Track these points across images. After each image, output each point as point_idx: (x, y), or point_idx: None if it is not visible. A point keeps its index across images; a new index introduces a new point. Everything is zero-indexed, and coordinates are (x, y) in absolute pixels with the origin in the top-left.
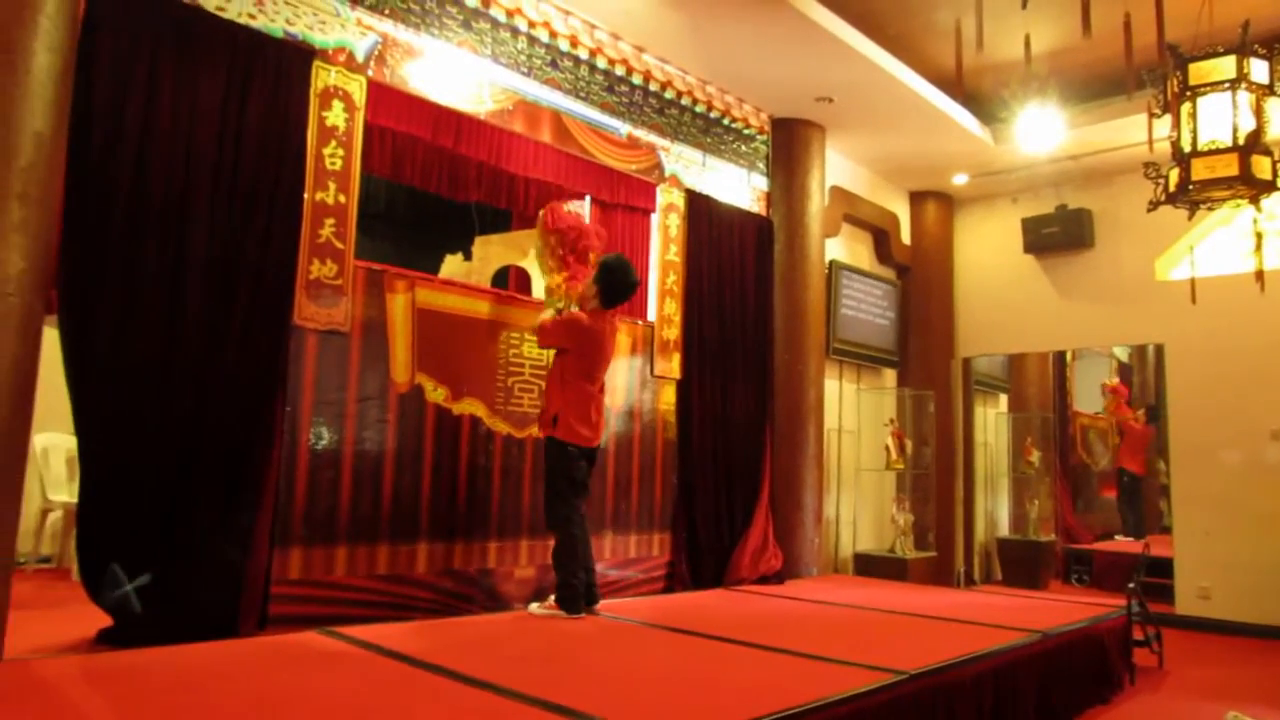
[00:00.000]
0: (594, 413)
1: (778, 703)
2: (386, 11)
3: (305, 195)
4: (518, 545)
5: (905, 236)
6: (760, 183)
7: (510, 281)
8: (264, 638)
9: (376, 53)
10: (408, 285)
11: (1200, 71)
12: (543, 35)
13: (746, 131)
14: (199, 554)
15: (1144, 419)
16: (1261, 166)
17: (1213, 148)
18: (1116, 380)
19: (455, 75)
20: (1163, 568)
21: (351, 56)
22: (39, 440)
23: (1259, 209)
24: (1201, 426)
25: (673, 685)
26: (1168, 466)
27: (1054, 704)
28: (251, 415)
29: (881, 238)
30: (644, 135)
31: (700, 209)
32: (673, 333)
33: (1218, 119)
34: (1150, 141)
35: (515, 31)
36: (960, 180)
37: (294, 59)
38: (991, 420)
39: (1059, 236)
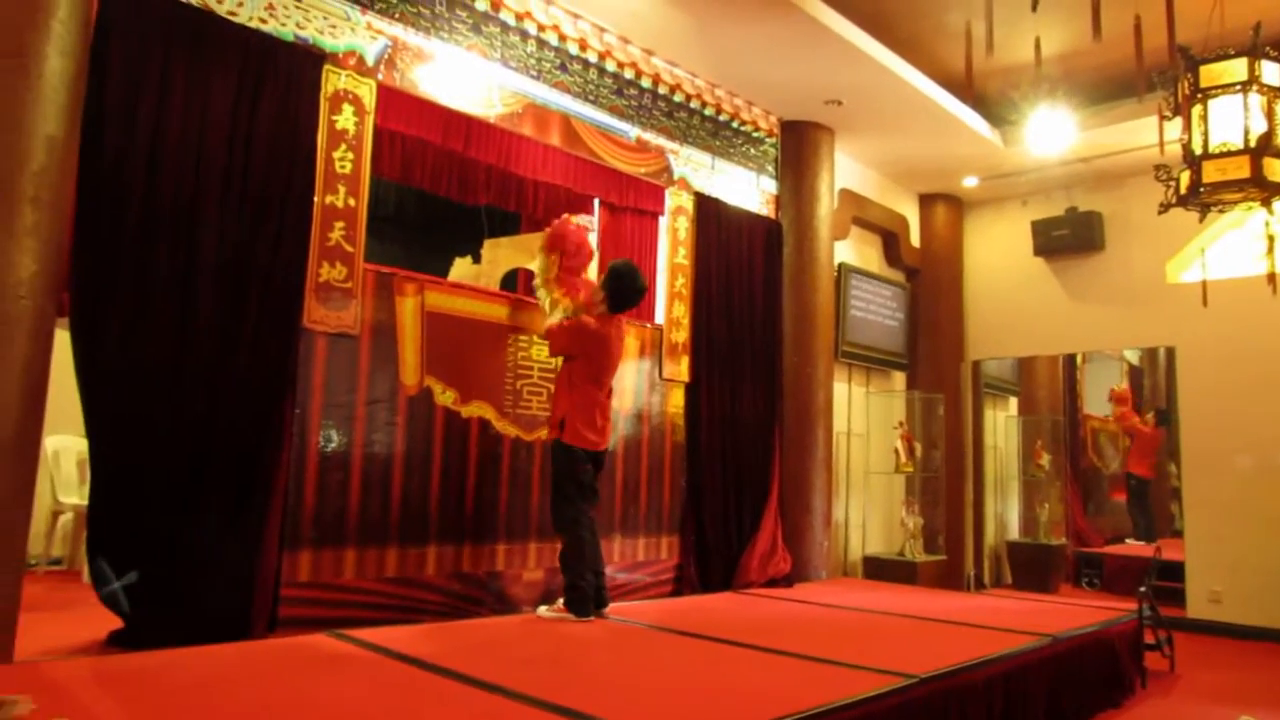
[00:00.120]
0: (600, 417)
1: (787, 707)
2: (397, 15)
3: (315, 199)
4: (526, 548)
5: (914, 239)
6: (769, 185)
7: (519, 284)
8: (273, 640)
9: (386, 57)
10: (417, 288)
11: (1211, 74)
12: (552, 39)
13: (755, 134)
14: (209, 556)
15: (1153, 422)
16: (1273, 169)
17: (1224, 150)
18: (1124, 386)
19: (465, 79)
20: (1174, 571)
21: (362, 60)
22: (50, 442)
23: (1271, 211)
24: (1213, 430)
25: (681, 689)
26: (1179, 470)
27: (1065, 708)
28: (261, 418)
29: (891, 240)
30: (653, 138)
31: (709, 212)
32: (681, 336)
33: (1229, 121)
34: (1161, 144)
35: (524, 35)
36: (970, 183)
37: (305, 63)
38: (1001, 423)
39: (1069, 239)
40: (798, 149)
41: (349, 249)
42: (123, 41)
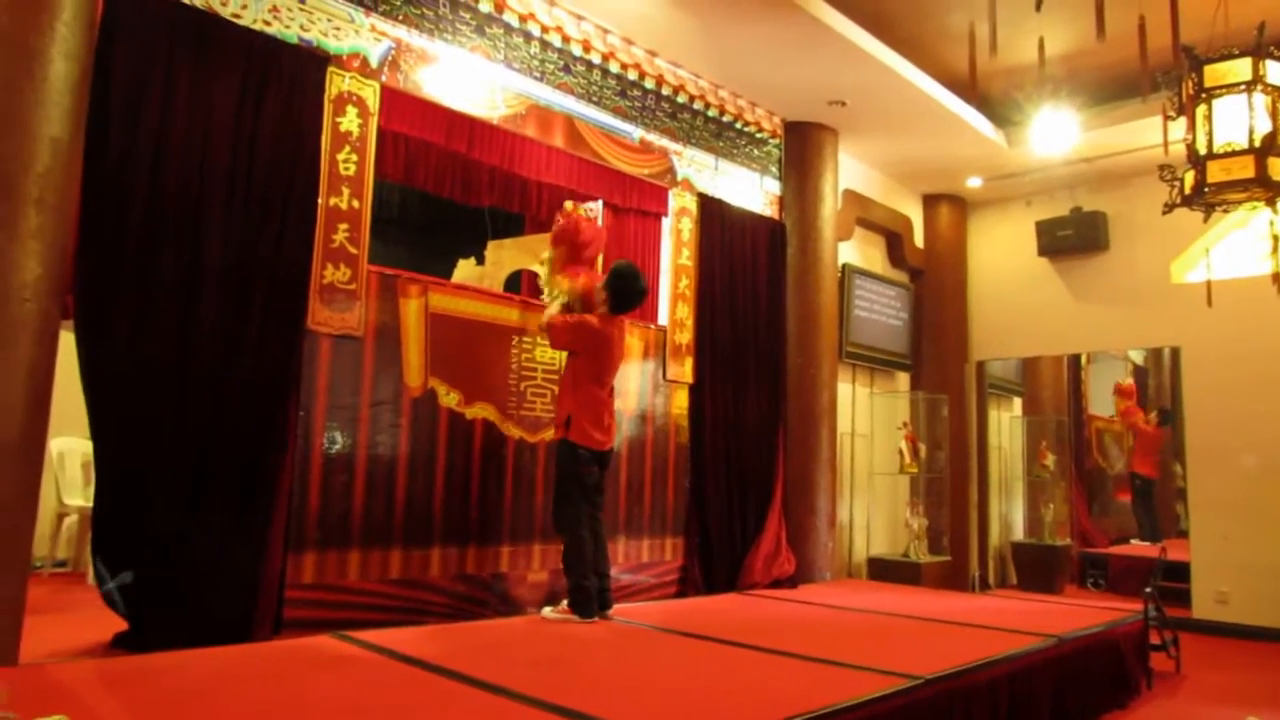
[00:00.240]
0: (606, 416)
1: (792, 708)
2: (400, 18)
3: (319, 200)
4: (530, 550)
5: (918, 240)
6: (773, 186)
7: (523, 286)
8: (278, 642)
9: (390, 58)
10: (421, 290)
11: (1215, 73)
12: (555, 40)
13: (759, 135)
14: (214, 558)
15: (1156, 421)
16: (1278, 168)
17: (1228, 150)
18: (1129, 381)
19: (468, 80)
20: (1180, 572)
21: (365, 62)
22: (55, 445)
23: (1276, 211)
24: (1218, 430)
25: (686, 690)
26: (1184, 470)
27: (1070, 709)
28: (266, 420)
29: (895, 241)
30: (656, 139)
31: (713, 213)
32: (685, 337)
33: (1233, 121)
34: (1165, 144)
35: (528, 36)
36: (974, 183)
37: (308, 65)
38: (1006, 424)
39: (1073, 239)
40: (801, 150)
41: (353, 251)
42: (127, 44)
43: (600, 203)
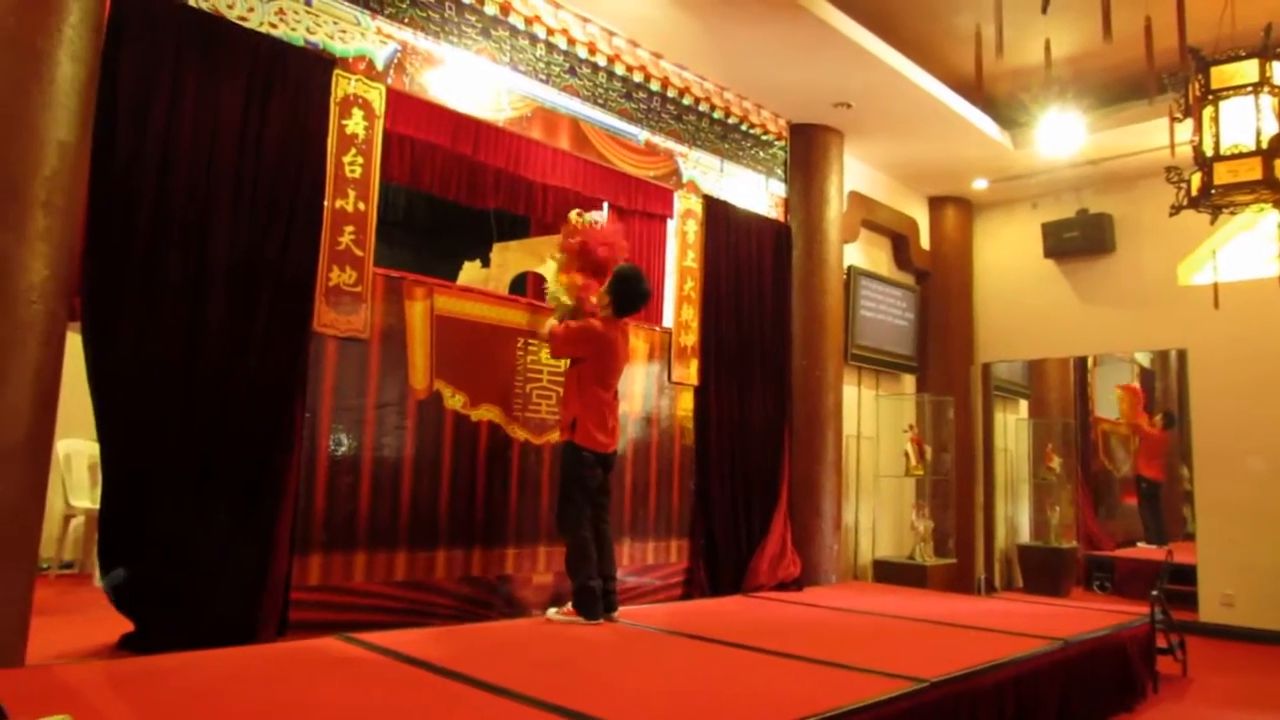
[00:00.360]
0: (610, 419)
1: (797, 710)
2: (406, 20)
3: (325, 203)
4: (535, 551)
5: (924, 242)
6: (778, 188)
7: (528, 288)
8: (284, 644)
9: (396, 61)
10: (426, 292)
11: (1222, 75)
12: (561, 42)
13: (764, 137)
14: (220, 560)
15: (1161, 424)
16: None
17: (1235, 152)
18: (1135, 383)
19: (474, 83)
20: (1186, 575)
21: (371, 65)
22: (62, 446)
23: None
24: (1225, 433)
25: (691, 692)
26: (1191, 473)
27: (1076, 712)
28: (272, 421)
29: (900, 243)
30: (662, 142)
31: (718, 215)
32: (690, 339)
33: (1240, 123)
34: (1172, 145)
35: (534, 39)
36: (980, 185)
37: (315, 68)
38: (1012, 426)
39: (1080, 241)
40: (807, 152)
41: (359, 253)
42: (134, 46)
43: (606, 207)
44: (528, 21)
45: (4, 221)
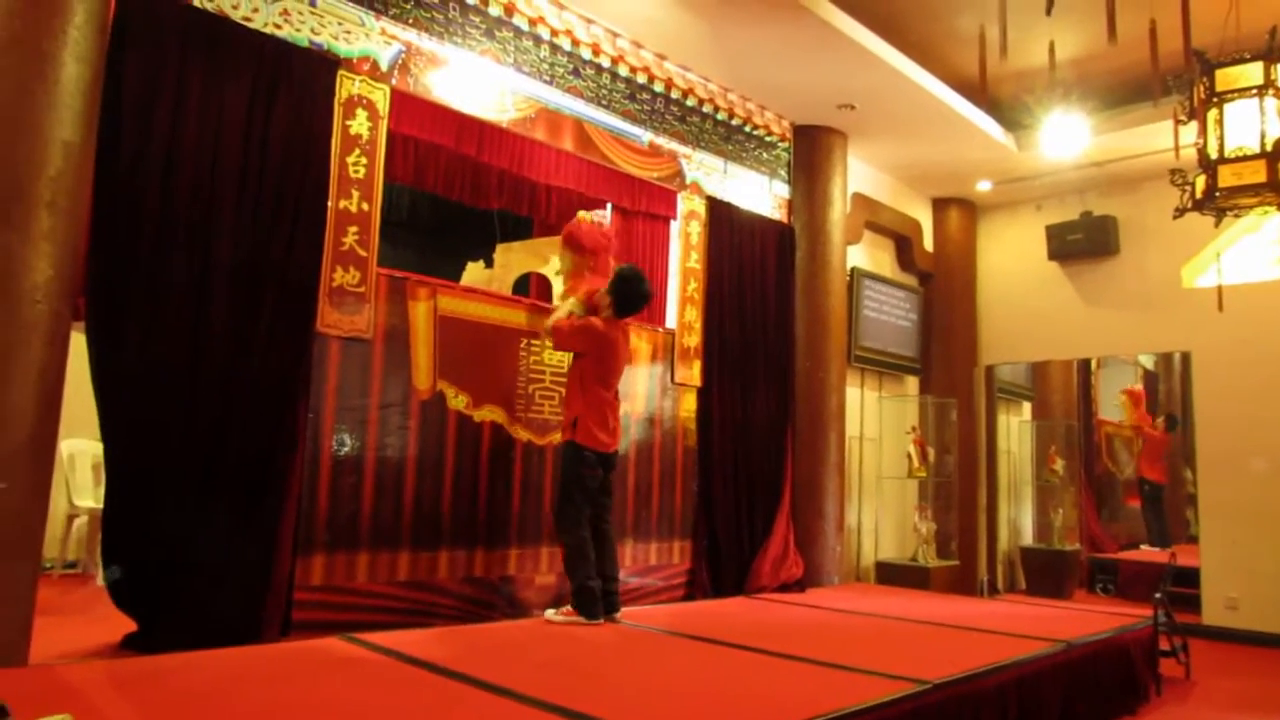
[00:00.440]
0: (611, 418)
1: (799, 712)
2: (411, 21)
3: (329, 203)
4: (538, 552)
5: (928, 243)
6: (781, 190)
7: (531, 288)
8: (287, 644)
9: (400, 62)
10: (430, 293)
11: (1227, 78)
12: (565, 43)
13: (768, 139)
14: (223, 559)
15: (1163, 427)
16: None
17: (1240, 154)
18: (1139, 386)
19: (478, 84)
20: (1189, 577)
21: (376, 66)
22: (65, 446)
23: None
24: (1229, 435)
25: (694, 694)
26: (1194, 475)
27: (1079, 715)
28: (275, 422)
29: (904, 244)
30: (665, 143)
31: (721, 216)
32: (693, 340)
33: (1245, 125)
34: (1176, 148)
35: (538, 40)
36: (983, 187)
37: (319, 68)
38: (1015, 428)
39: (1083, 243)
40: (810, 153)
41: (362, 253)
42: (139, 47)
43: (610, 207)
44: (532, 22)
45: (9, 222)
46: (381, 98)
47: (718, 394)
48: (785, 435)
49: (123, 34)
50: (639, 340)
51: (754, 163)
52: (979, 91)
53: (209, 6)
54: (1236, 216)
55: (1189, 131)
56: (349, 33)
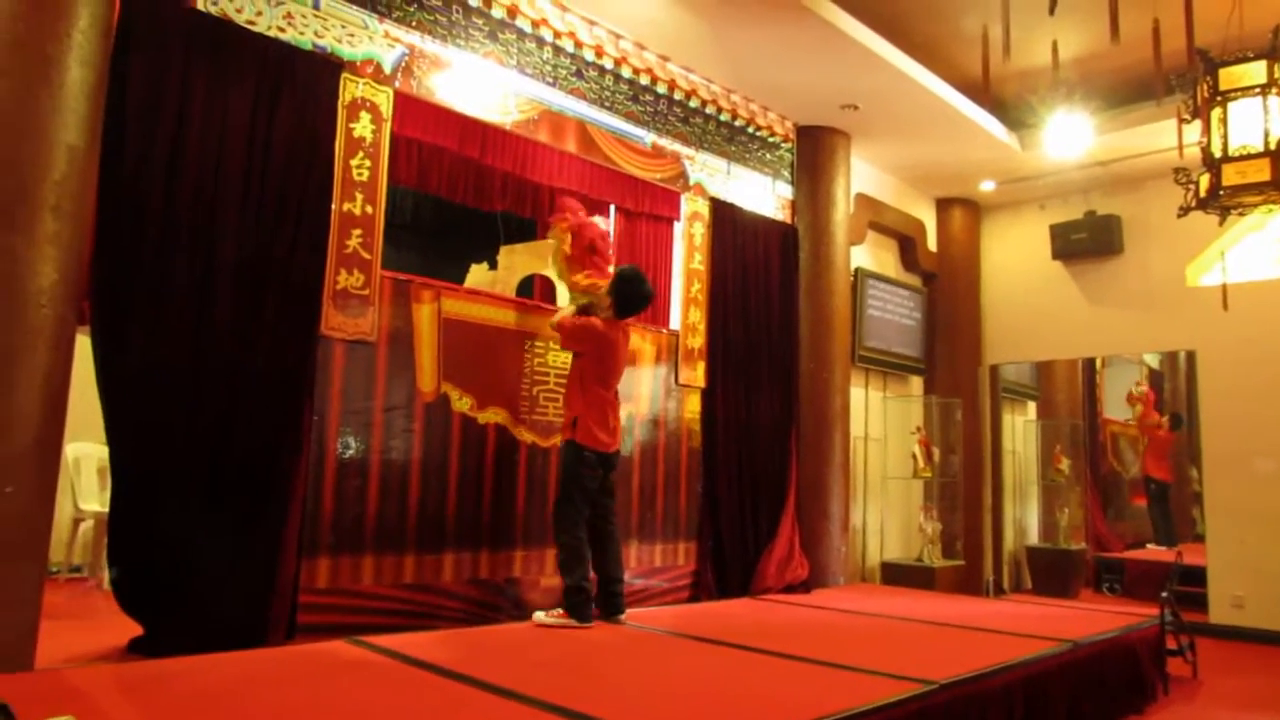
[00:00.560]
0: (612, 418)
1: (805, 713)
2: (414, 24)
3: (333, 206)
4: (543, 554)
5: (931, 243)
6: (785, 190)
7: (535, 290)
8: (292, 647)
9: (404, 64)
10: (433, 295)
11: (1231, 76)
12: (568, 45)
13: (771, 139)
14: (228, 563)
15: (1167, 425)
16: None
17: (1244, 153)
18: (1145, 387)
19: (481, 86)
20: (1196, 576)
21: (379, 68)
22: (71, 450)
23: None
24: (1235, 434)
25: (699, 695)
26: (1200, 474)
27: (1086, 714)
28: (280, 425)
29: (908, 245)
30: (668, 144)
31: (725, 217)
32: (697, 341)
33: (1249, 124)
34: (1180, 147)
35: (540, 42)
36: (987, 187)
37: (322, 71)
38: (1020, 428)
39: (1088, 243)
40: (813, 154)
41: (366, 256)
42: (143, 51)
43: (612, 210)
44: (534, 24)
45: (13, 225)
46: (385, 100)
47: (722, 395)
48: (790, 436)
49: (127, 38)
50: (643, 342)
51: (757, 164)
52: (982, 91)
53: (213, 10)
54: (1241, 215)
55: (1193, 130)
56: (352, 36)
